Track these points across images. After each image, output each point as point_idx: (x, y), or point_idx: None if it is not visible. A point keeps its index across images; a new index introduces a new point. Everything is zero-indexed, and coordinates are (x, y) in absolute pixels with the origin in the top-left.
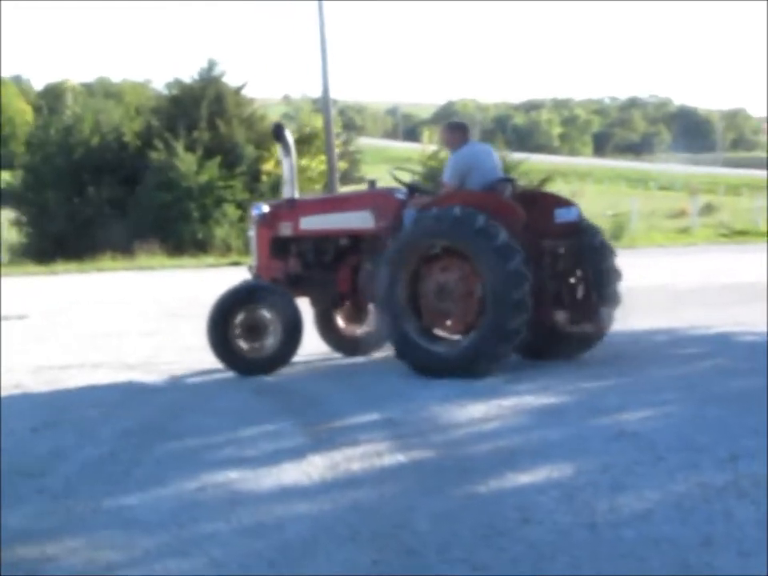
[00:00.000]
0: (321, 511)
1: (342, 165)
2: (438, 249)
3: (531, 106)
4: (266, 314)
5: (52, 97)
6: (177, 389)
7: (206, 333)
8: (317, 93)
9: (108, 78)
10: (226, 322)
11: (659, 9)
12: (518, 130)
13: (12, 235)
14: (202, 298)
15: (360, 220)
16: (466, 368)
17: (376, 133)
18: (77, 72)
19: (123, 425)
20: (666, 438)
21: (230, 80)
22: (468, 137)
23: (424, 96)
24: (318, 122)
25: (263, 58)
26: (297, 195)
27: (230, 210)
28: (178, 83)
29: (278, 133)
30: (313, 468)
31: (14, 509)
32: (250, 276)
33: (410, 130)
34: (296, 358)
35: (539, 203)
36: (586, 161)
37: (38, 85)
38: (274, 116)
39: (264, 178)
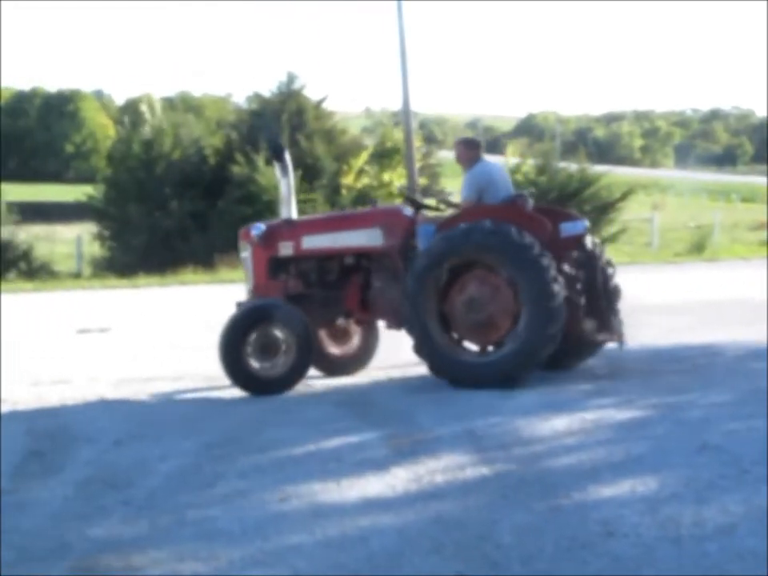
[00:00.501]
0: (405, 523)
1: (422, 179)
2: (466, 262)
3: (612, 118)
4: (279, 333)
5: (133, 111)
6: (259, 401)
7: (220, 353)
8: (397, 106)
9: (189, 92)
10: (242, 342)
11: (743, 20)
12: (598, 142)
13: (94, 249)
14: None
15: (369, 238)
16: (503, 378)
17: None
18: (158, 86)
19: (206, 437)
20: (750, 451)
21: (311, 93)
22: (481, 154)
23: (505, 108)
24: (398, 136)
25: (343, 71)
26: (294, 215)
27: None
28: (258, 97)
29: (277, 152)
30: (396, 480)
31: (100, 519)
32: (249, 298)
33: (491, 143)
34: (374, 372)
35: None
36: (668, 173)
37: (120, 99)
38: (354, 129)
39: (344, 191)
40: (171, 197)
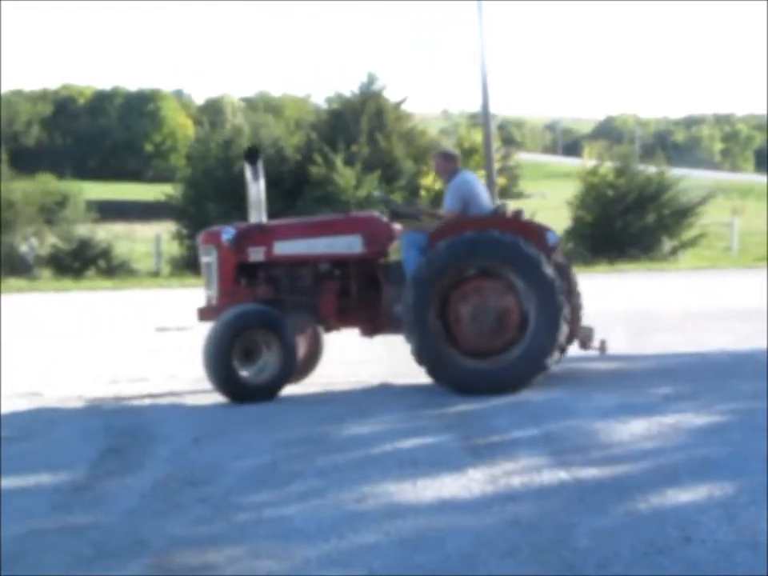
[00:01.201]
0: (481, 525)
1: (501, 180)
2: (471, 270)
3: (692, 122)
4: (263, 337)
5: (213, 111)
6: (336, 401)
7: (207, 361)
8: (475, 107)
9: (268, 92)
10: (230, 348)
11: None
12: (678, 145)
13: (173, 247)
14: None
15: (347, 245)
16: (510, 383)
17: (535, 148)
18: (237, 87)
19: (283, 436)
20: None
21: (390, 94)
22: (459, 166)
23: (584, 111)
24: (477, 137)
25: (423, 72)
26: (264, 220)
27: None
28: (338, 97)
29: (252, 155)
30: (472, 482)
31: (177, 516)
32: (209, 303)
33: (569, 145)
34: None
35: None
36: (748, 177)
37: (199, 99)
38: (432, 130)
39: (423, 192)
40: None
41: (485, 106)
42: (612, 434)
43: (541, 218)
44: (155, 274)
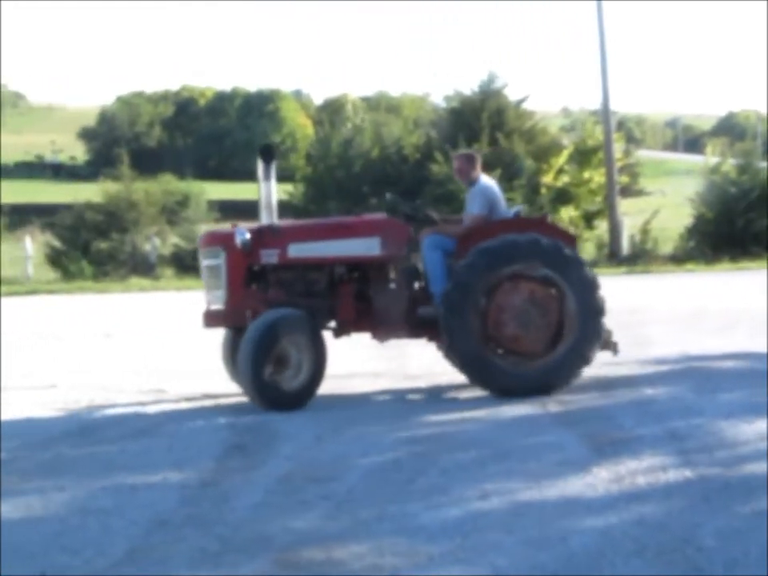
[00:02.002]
0: (606, 524)
1: (623, 178)
2: (511, 274)
3: None
4: (295, 342)
5: (332, 111)
6: (458, 400)
7: (245, 369)
8: (595, 105)
9: (387, 92)
10: (267, 355)
11: None
12: None
13: None
14: None
15: (365, 247)
16: (554, 385)
17: (655, 145)
18: (356, 86)
19: (407, 433)
20: None
21: (511, 93)
22: (479, 169)
23: (705, 107)
24: (599, 134)
25: (542, 70)
26: (276, 221)
27: None
28: (458, 96)
29: (266, 153)
30: (597, 480)
31: (301, 513)
32: (211, 308)
33: (690, 142)
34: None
35: None
36: None
37: (318, 99)
38: (552, 128)
39: (543, 190)
40: (370, 195)
41: (605, 103)
42: (738, 433)
43: (662, 216)
44: None
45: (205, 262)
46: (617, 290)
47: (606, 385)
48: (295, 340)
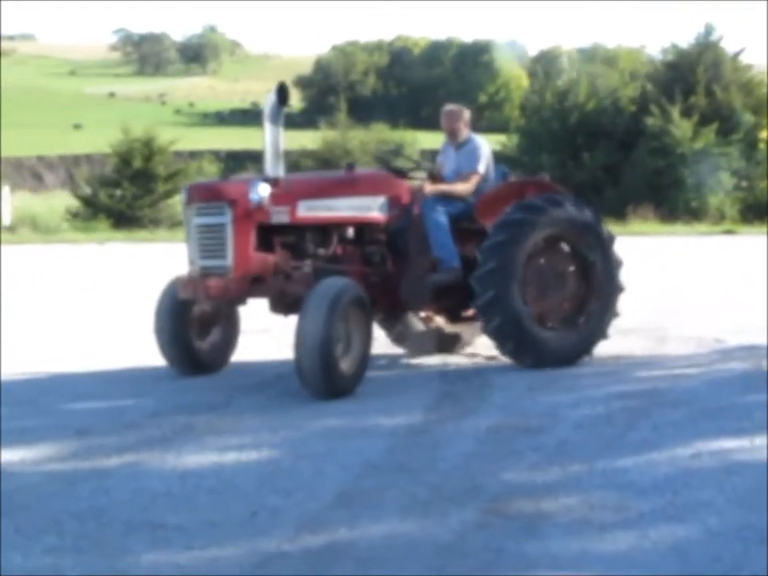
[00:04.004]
0: None
1: None
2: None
3: None
4: (358, 321)
5: (546, 62)
6: (670, 356)
7: (309, 354)
8: None
9: (603, 44)
10: (337, 336)
11: None
12: None
13: None
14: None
15: (371, 207)
16: (577, 356)
17: None
18: (571, 38)
19: (618, 388)
20: None
21: (727, 46)
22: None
23: None
24: None
25: (759, 22)
26: (282, 173)
27: (725, 178)
28: (674, 48)
29: (282, 93)
30: None
31: (511, 464)
32: (208, 277)
33: None
34: None
35: None
36: None
37: (533, 50)
38: None
39: (761, 145)
40: (584, 148)
41: None
42: None
43: None
44: None
45: (199, 221)
46: None
47: None
48: (358, 317)
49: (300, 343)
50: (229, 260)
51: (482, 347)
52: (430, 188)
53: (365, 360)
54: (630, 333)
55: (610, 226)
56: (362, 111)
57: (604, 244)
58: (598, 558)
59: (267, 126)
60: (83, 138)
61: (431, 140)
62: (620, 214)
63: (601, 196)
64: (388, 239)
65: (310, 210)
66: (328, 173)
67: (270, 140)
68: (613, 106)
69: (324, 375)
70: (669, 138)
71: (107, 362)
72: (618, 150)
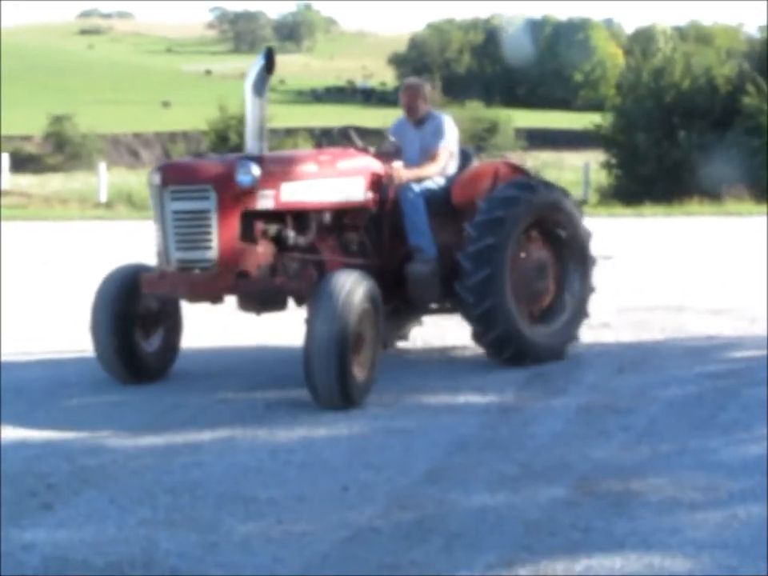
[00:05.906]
0: None
1: None
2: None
3: None
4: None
5: (643, 40)
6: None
7: (324, 361)
8: None
9: (699, 21)
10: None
11: None
12: None
13: (601, 177)
14: None
15: (352, 189)
16: (559, 353)
17: None
18: (668, 16)
19: (708, 368)
20: None
21: None
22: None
23: None
24: None
25: None
26: (266, 151)
27: None
28: None
29: (270, 58)
30: None
31: (600, 443)
32: (188, 271)
33: None
34: None
35: None
36: None
37: (629, 28)
38: None
39: None
40: (680, 127)
41: None
42: None
43: None
44: (582, 202)
45: (176, 206)
46: None
47: None
48: (371, 316)
49: (311, 347)
50: (213, 252)
51: None
52: (404, 174)
53: (375, 365)
54: (720, 313)
55: (705, 206)
56: (457, 89)
57: (573, 218)
58: (686, 537)
59: (250, 96)
60: (177, 115)
61: (526, 119)
62: (715, 195)
63: (696, 175)
64: (375, 225)
65: (293, 194)
66: (306, 151)
67: (253, 112)
68: (708, 84)
69: (336, 385)
70: (764, 118)
71: (201, 339)
72: (713, 130)
